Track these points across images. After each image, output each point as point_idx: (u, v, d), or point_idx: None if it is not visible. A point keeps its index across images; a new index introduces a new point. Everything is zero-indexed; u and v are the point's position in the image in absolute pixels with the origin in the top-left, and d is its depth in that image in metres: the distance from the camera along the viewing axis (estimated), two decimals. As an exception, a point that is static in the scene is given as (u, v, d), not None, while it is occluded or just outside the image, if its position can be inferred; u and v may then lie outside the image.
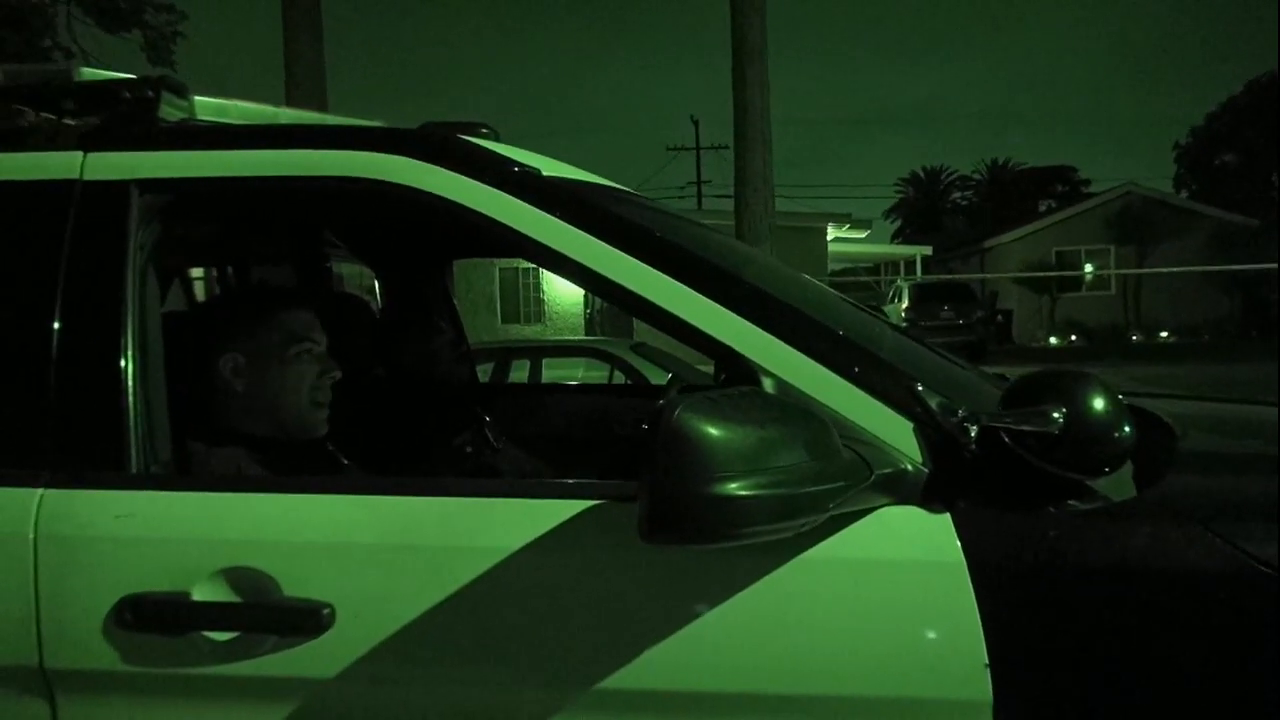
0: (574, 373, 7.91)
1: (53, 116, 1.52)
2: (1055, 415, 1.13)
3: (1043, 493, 1.16)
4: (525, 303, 19.75)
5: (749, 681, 1.13)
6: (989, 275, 25.15)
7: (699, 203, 32.03)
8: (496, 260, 17.45)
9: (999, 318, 22.82)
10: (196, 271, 2.76)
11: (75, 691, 1.21)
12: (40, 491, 1.23)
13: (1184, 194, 32.31)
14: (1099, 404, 1.15)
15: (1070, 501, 1.16)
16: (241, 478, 1.45)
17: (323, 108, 9.72)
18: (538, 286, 19.52)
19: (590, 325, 19.25)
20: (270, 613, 1.17)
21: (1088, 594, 1.10)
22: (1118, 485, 1.21)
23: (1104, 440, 1.15)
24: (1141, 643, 1.09)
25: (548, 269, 1.32)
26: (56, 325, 1.28)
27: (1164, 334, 23.12)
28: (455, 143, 1.40)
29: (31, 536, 1.21)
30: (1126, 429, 1.16)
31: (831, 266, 22.86)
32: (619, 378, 6.93)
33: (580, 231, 1.28)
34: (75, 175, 1.35)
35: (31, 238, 1.33)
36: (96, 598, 1.19)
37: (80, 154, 1.36)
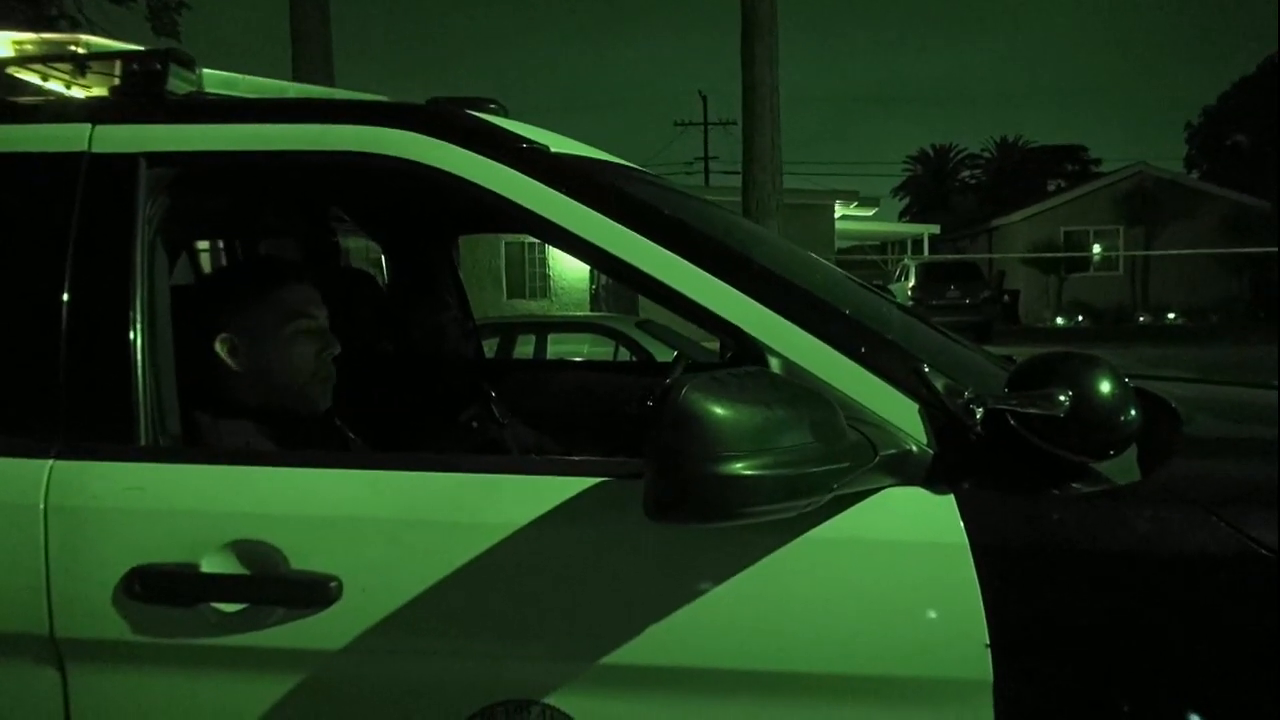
0: (579, 348, 7.92)
1: (61, 88, 1.52)
2: (1061, 398, 1.13)
3: (1047, 475, 1.17)
4: (531, 278, 19.74)
5: (751, 659, 1.14)
6: (996, 255, 25.06)
7: (706, 179, 31.91)
8: (502, 235, 17.41)
9: (1006, 298, 22.75)
10: (202, 245, 2.76)
11: (85, 660, 1.23)
12: (50, 463, 1.24)
13: (1195, 175, 32.09)
14: (1105, 387, 1.15)
15: (1074, 484, 1.17)
16: (250, 452, 1.46)
17: (329, 81, 9.67)
18: (543, 262, 19.49)
19: (595, 301, 19.24)
20: (278, 585, 1.19)
21: (1090, 576, 1.11)
22: (1122, 468, 1.21)
23: (1109, 423, 1.15)
24: (1143, 625, 1.09)
25: (555, 246, 1.32)
26: (66, 298, 1.29)
27: (1171, 315, 23.04)
28: (463, 118, 1.39)
29: (42, 507, 1.22)
30: (1132, 412, 1.16)
31: (839, 244, 22.79)
32: (624, 354, 6.94)
33: (588, 209, 1.28)
34: (83, 148, 1.34)
35: (40, 210, 1.33)
36: (106, 568, 1.20)
37: (89, 126, 1.36)
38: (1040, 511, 1.14)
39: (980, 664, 1.10)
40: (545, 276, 19.67)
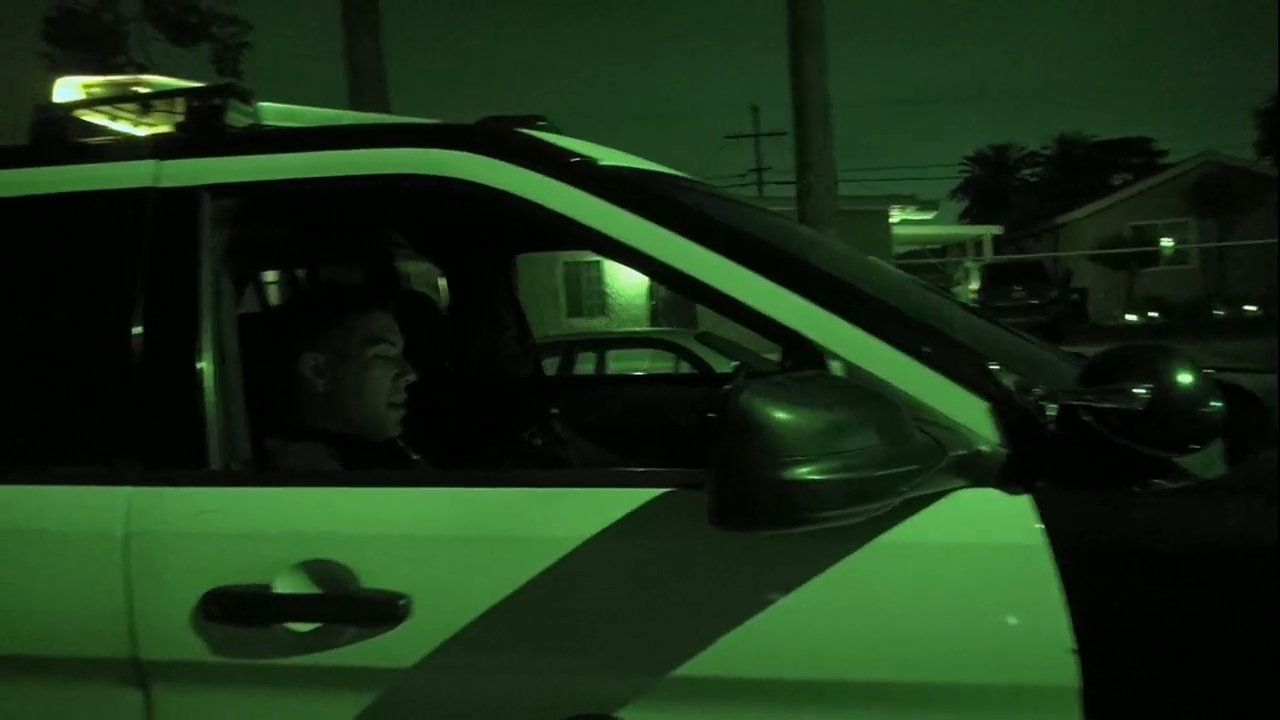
0: (639, 364, 7.93)
1: (128, 128, 1.57)
2: (1138, 391, 1.09)
3: (1127, 472, 1.12)
4: (589, 296, 19.85)
5: (825, 668, 1.12)
6: (1062, 253, 24.51)
7: (759, 190, 31.83)
8: (560, 254, 17.56)
9: (1074, 296, 22.19)
10: (270, 275, 2.83)
11: (168, 682, 1.25)
12: (128, 490, 1.27)
13: (1267, 161, 31.00)
14: (1184, 378, 1.11)
15: (1157, 480, 1.12)
16: (319, 473, 1.48)
17: (385, 108, 9.89)
18: (601, 280, 19.59)
19: (654, 316, 19.26)
20: (349, 604, 1.20)
21: (1177, 574, 1.06)
22: (1207, 462, 1.16)
23: (1191, 415, 1.11)
24: (1233, 624, 1.04)
25: (610, 258, 1.32)
26: (137, 329, 1.32)
27: (1249, 307, 22.23)
28: (514, 136, 1.40)
29: (121, 534, 1.25)
30: (1214, 404, 1.11)
31: (896, 250, 22.49)
32: (684, 368, 6.93)
33: (641, 219, 1.27)
34: (150, 183, 1.39)
35: (111, 244, 1.37)
36: (184, 592, 1.22)
37: (154, 162, 1.40)
38: (1122, 509, 1.09)
39: (1066, 669, 1.06)
40: (603, 294, 19.76)
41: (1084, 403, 1.12)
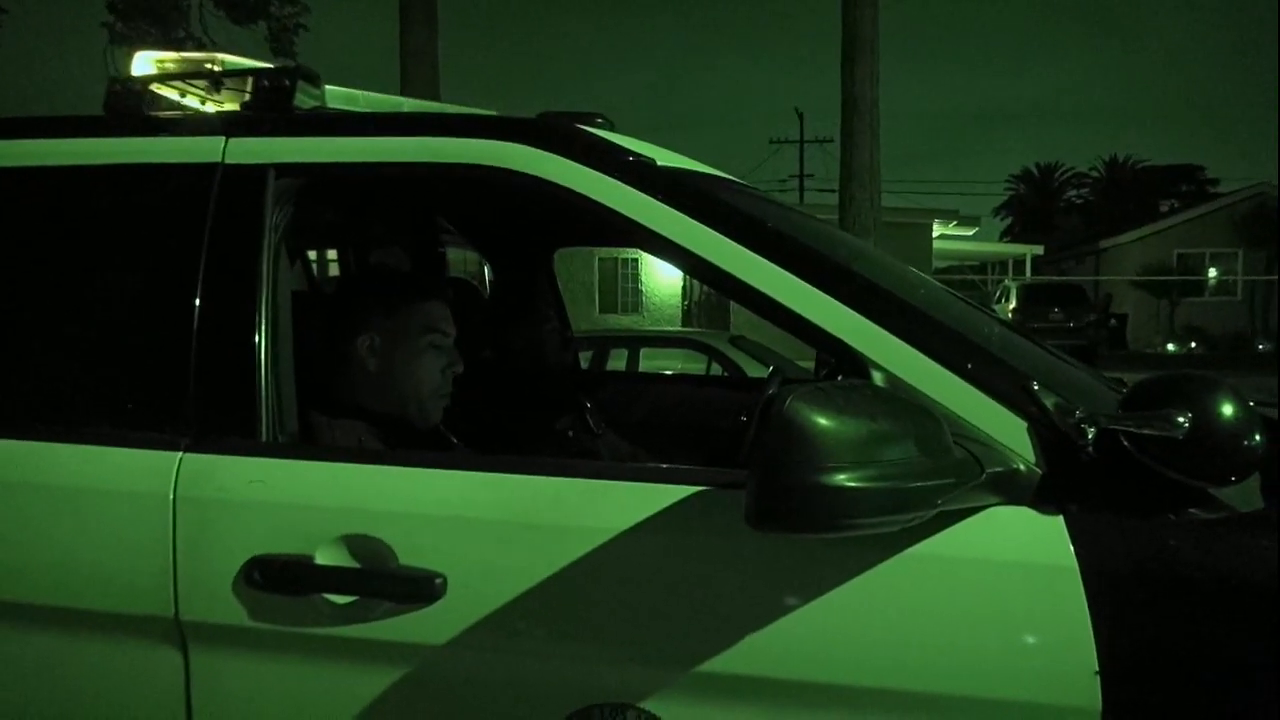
0: (671, 364, 7.94)
1: (197, 103, 1.61)
2: (1180, 419, 1.09)
3: (1163, 499, 1.13)
4: (623, 293, 19.85)
5: (847, 673, 1.13)
6: (1104, 277, 24.18)
7: (801, 197, 31.70)
8: (596, 250, 17.60)
9: (1113, 321, 21.89)
10: (310, 254, 2.87)
11: (206, 642, 1.29)
12: (180, 455, 1.31)
13: (1323, 196, 30.32)
14: (1227, 409, 1.11)
15: (1193, 510, 1.13)
16: (365, 450, 1.52)
17: (435, 97, 9.96)
18: (636, 277, 19.59)
19: (687, 317, 19.25)
20: (387, 579, 1.23)
21: (1208, 606, 1.07)
22: (1245, 495, 1.16)
23: (1232, 447, 1.11)
24: (1264, 658, 1.04)
25: (662, 258, 1.34)
26: (198, 301, 1.36)
27: (1295, 342, 21.79)
28: (578, 133, 1.43)
29: (171, 497, 1.29)
30: (1257, 437, 1.12)
31: (936, 264, 22.31)
32: (716, 370, 6.94)
33: (695, 222, 1.29)
34: (218, 159, 1.42)
35: (177, 217, 1.42)
36: (228, 557, 1.26)
37: (223, 139, 1.44)
38: (1156, 537, 1.10)
39: (1088, 691, 1.07)
40: (638, 292, 19.76)
41: (1124, 428, 1.12)
